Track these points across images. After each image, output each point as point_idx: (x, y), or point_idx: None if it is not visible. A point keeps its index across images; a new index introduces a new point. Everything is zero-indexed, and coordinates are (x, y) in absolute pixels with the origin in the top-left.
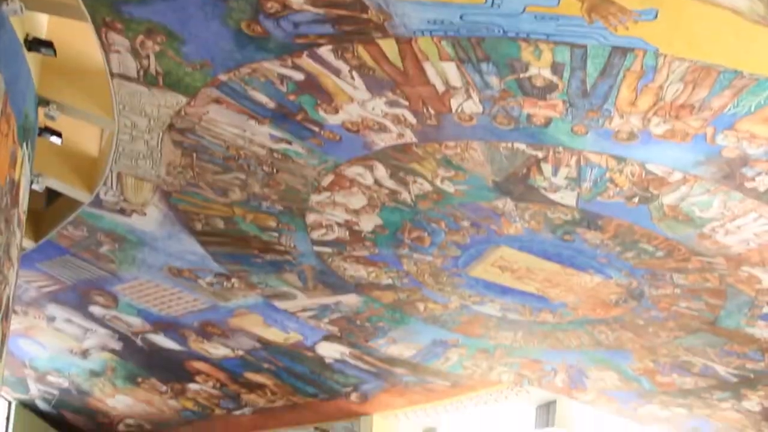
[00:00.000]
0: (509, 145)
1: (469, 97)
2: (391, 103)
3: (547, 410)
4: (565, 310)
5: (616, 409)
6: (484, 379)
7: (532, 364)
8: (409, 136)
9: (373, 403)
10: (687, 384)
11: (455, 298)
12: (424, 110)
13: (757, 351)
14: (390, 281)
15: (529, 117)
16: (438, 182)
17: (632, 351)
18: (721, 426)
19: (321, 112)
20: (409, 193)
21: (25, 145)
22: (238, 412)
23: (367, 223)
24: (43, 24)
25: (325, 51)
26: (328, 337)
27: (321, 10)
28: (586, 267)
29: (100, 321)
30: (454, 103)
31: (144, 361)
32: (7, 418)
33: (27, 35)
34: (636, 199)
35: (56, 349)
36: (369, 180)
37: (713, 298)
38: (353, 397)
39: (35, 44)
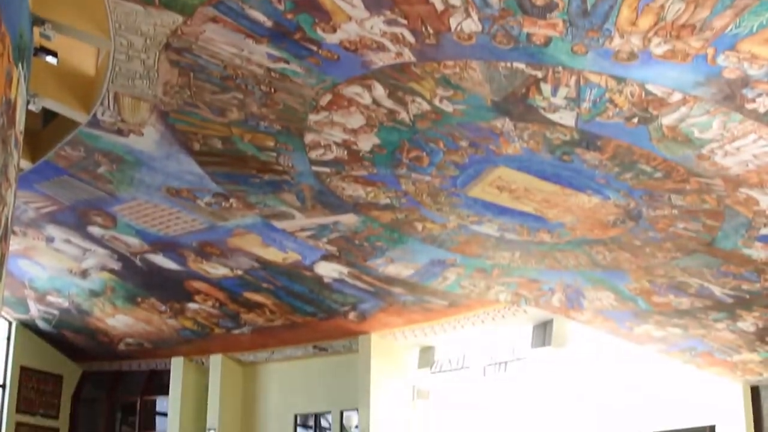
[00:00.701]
0: (508, 64)
1: (468, 15)
2: (390, 22)
3: (543, 330)
4: (563, 231)
5: (612, 328)
6: (481, 299)
7: (529, 284)
8: (408, 56)
9: (371, 322)
10: (683, 304)
11: (453, 218)
12: (423, 29)
13: (753, 272)
14: (388, 201)
15: (528, 36)
16: (436, 102)
17: (629, 271)
18: (716, 346)
19: (319, 31)
20: (408, 112)
21: (20, 64)
22: (237, 331)
23: (365, 142)
24: None
25: None
26: (327, 257)
27: None
28: (585, 187)
29: (98, 241)
30: (453, 22)
31: (143, 281)
32: (8, 338)
33: None
34: (635, 120)
35: (55, 269)
36: (367, 99)
37: (711, 220)
38: (351, 316)
39: None
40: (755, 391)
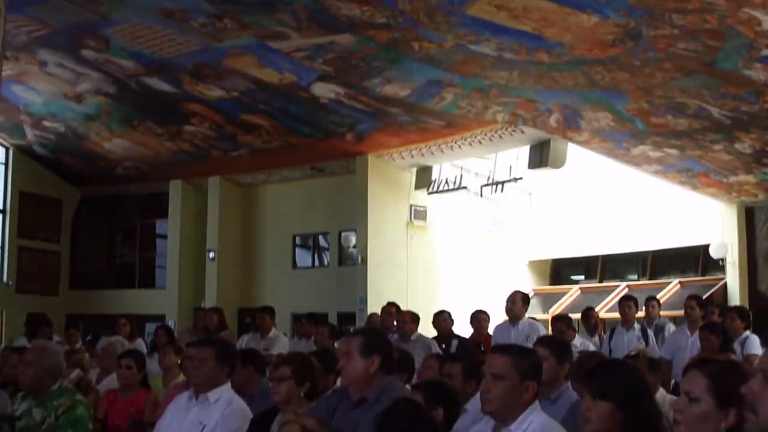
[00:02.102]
0: None
1: None
2: None
3: (540, 150)
4: (562, 50)
5: (609, 149)
6: (478, 119)
7: (527, 104)
8: None
9: (369, 143)
10: (681, 125)
11: (450, 37)
12: None
13: (752, 93)
14: (384, 20)
15: None
16: None
17: (627, 92)
18: (712, 167)
19: None
20: None
21: None
22: (234, 153)
23: None
24: None
25: None
26: (323, 77)
27: None
28: (584, 6)
29: (92, 65)
30: None
31: (139, 105)
32: (6, 164)
33: None
34: None
35: (50, 94)
36: None
37: (711, 40)
38: (349, 137)
39: None
40: (750, 213)
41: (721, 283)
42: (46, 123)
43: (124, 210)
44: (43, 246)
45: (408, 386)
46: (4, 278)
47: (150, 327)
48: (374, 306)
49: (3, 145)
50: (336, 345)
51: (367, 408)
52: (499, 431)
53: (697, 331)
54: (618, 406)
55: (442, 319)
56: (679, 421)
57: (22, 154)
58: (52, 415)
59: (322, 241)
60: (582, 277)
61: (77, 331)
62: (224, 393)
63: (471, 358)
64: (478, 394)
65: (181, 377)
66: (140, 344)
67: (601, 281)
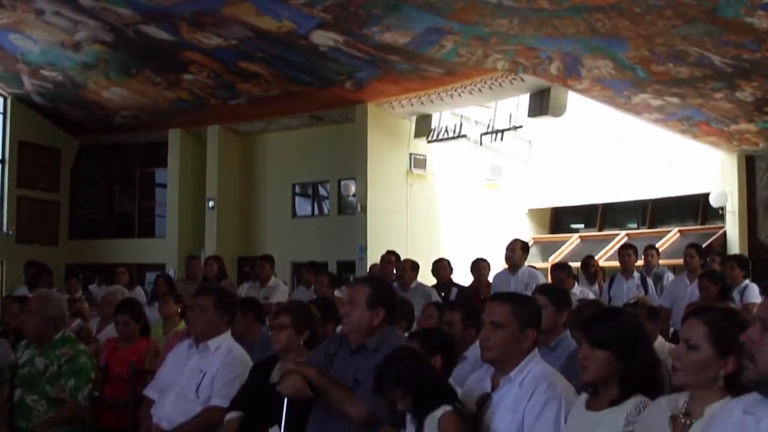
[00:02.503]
0: None
1: None
2: None
3: (540, 98)
4: None
5: (610, 98)
6: (478, 67)
7: (527, 52)
8: None
9: (368, 91)
10: (682, 73)
11: None
12: None
13: (754, 41)
14: None
15: None
16: None
17: (628, 39)
18: (713, 115)
19: None
20: None
21: None
22: (233, 102)
23: None
24: None
25: None
26: (322, 25)
27: None
28: None
29: (89, 13)
30: None
31: (136, 53)
32: (4, 113)
33: None
34: None
35: (47, 43)
36: None
37: None
38: (348, 85)
39: None
40: (750, 162)
41: (721, 232)
42: (43, 72)
43: (123, 159)
44: (42, 196)
45: (407, 334)
46: (4, 228)
47: (150, 276)
48: (374, 254)
49: (1, 95)
50: (336, 293)
51: (367, 355)
52: (498, 379)
53: (697, 280)
54: (615, 355)
55: (442, 267)
56: (678, 369)
57: (20, 103)
58: (55, 363)
59: (321, 190)
60: (582, 226)
61: (77, 281)
62: (224, 341)
63: (470, 306)
64: (477, 342)
65: (182, 325)
66: (139, 292)
67: (600, 230)
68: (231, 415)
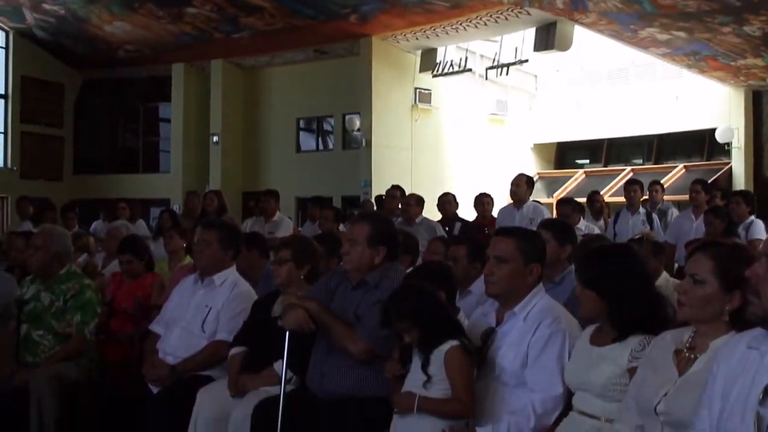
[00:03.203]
0: None
1: None
2: None
3: (546, 32)
4: None
5: (616, 31)
6: (484, 0)
7: None
8: None
9: (373, 25)
10: (689, 7)
11: None
12: None
13: None
14: None
15: None
16: None
17: None
18: (721, 50)
19: None
20: None
21: None
22: (237, 36)
23: None
24: None
25: None
26: None
27: None
28: None
29: None
30: None
31: None
32: (6, 48)
33: None
34: None
35: None
36: None
37: None
38: (352, 18)
39: None
40: (757, 97)
41: (727, 167)
42: (45, 6)
43: (126, 94)
44: (46, 131)
45: (410, 270)
46: (8, 164)
47: (155, 211)
48: (378, 189)
49: (2, 29)
50: (341, 228)
51: (367, 290)
52: (502, 314)
53: (702, 215)
54: (600, 296)
55: (447, 202)
56: (684, 303)
57: (23, 38)
58: (60, 299)
59: (326, 125)
60: (587, 161)
61: (74, 215)
62: (229, 276)
63: (475, 241)
64: (482, 277)
65: (187, 260)
66: (141, 226)
67: (606, 165)
68: (234, 351)
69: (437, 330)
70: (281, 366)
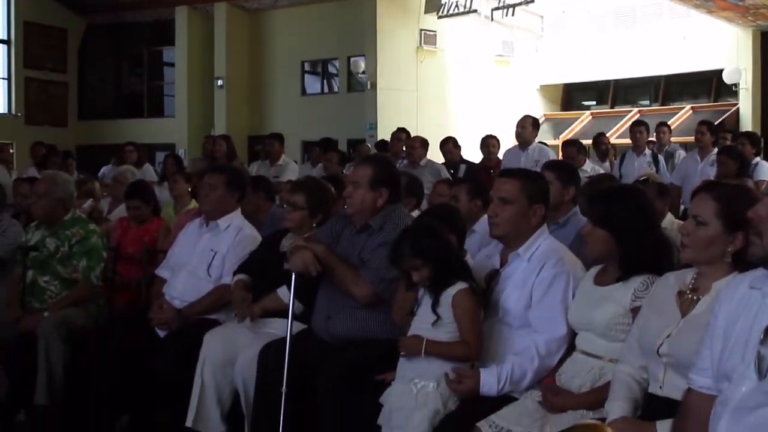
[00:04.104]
0: None
1: None
2: None
3: None
4: None
5: None
6: None
7: None
8: None
9: None
10: None
11: None
12: None
13: None
14: None
15: None
16: None
17: None
18: None
19: None
20: None
21: None
22: None
23: None
24: None
25: None
26: None
27: None
28: None
29: None
30: None
31: None
32: None
33: None
34: None
35: None
36: None
37: None
38: None
39: None
40: (765, 37)
41: (734, 109)
42: None
43: (130, 38)
44: (49, 77)
45: (417, 211)
46: (13, 110)
47: (160, 156)
48: (384, 132)
49: None
50: (345, 171)
51: (371, 233)
52: (506, 255)
53: (708, 157)
54: (614, 235)
55: (448, 150)
56: (687, 245)
57: None
58: (66, 244)
59: (330, 67)
60: (593, 103)
61: (73, 161)
62: (234, 220)
63: (475, 180)
64: (485, 216)
65: (192, 204)
66: (148, 170)
67: (612, 107)
68: (238, 277)
69: (448, 270)
70: (284, 292)
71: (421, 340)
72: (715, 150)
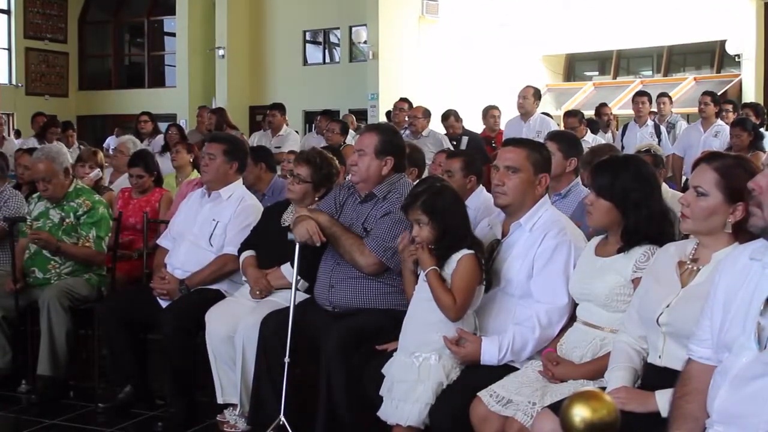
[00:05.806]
0: None
1: None
2: None
3: None
4: None
5: None
6: None
7: None
8: None
9: None
10: None
11: None
12: None
13: None
14: None
15: None
16: None
17: None
18: None
19: None
20: None
21: None
22: None
23: None
24: None
25: None
26: None
27: None
28: None
29: None
30: None
31: None
32: None
33: None
34: None
35: None
36: None
37: None
38: None
39: None
40: None
41: (737, 79)
42: None
43: (130, 8)
44: (50, 47)
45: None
46: (13, 80)
47: (161, 126)
48: (386, 102)
49: None
50: (346, 141)
51: (375, 203)
52: (508, 225)
53: (711, 128)
54: (617, 206)
55: (450, 125)
56: (687, 215)
57: None
58: (71, 215)
59: (332, 37)
60: (596, 73)
61: (73, 132)
62: (236, 190)
63: (470, 153)
64: (477, 191)
65: (194, 175)
66: (160, 140)
67: (615, 77)
68: (247, 253)
69: (459, 239)
70: (288, 270)
71: (433, 265)
72: (718, 121)
